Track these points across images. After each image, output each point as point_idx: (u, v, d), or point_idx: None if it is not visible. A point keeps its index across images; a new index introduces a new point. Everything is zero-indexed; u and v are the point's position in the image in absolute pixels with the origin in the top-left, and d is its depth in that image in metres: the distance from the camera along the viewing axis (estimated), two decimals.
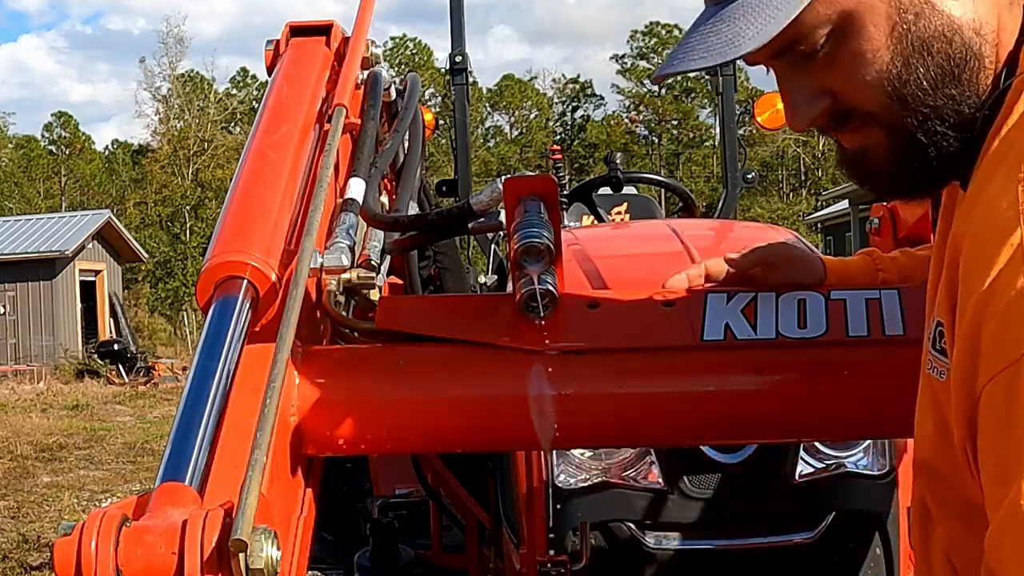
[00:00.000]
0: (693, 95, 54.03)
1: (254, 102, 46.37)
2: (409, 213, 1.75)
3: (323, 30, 1.92)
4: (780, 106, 4.42)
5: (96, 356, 22.16)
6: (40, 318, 24.95)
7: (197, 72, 49.36)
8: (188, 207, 43.39)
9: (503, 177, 1.41)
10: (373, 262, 1.49)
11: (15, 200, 47.10)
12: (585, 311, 1.46)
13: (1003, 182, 0.95)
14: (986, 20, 1.03)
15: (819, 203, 40.33)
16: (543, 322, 1.38)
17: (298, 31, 1.93)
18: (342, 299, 1.47)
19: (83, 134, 56.37)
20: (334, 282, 1.45)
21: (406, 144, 1.93)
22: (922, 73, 1.03)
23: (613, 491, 2.39)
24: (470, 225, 1.51)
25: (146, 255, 33.47)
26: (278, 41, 1.93)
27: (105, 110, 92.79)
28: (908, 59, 1.02)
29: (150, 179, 46.30)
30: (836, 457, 2.40)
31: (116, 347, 21.65)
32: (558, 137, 54.15)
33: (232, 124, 48.68)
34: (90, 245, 26.00)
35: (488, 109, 57.26)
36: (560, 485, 2.39)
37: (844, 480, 2.39)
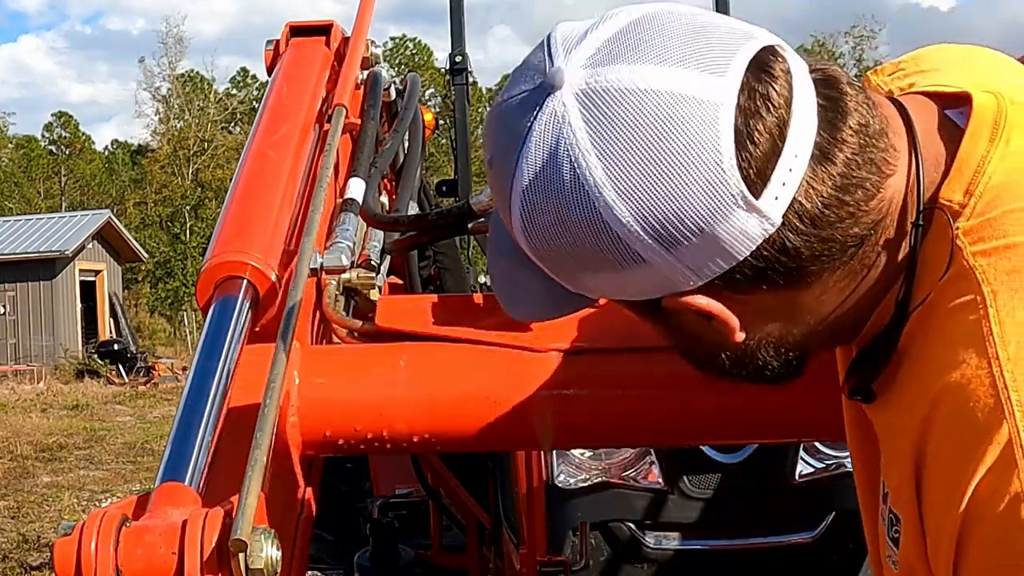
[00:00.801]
0: None
1: (254, 102, 46.35)
2: (409, 213, 1.75)
3: (323, 30, 1.92)
4: None
5: (96, 356, 22.16)
6: (40, 318, 24.95)
7: (197, 72, 49.40)
8: (188, 207, 43.39)
9: None
10: (373, 262, 1.49)
11: (15, 200, 47.10)
12: (585, 311, 1.46)
13: (970, 364, 0.85)
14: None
15: None
16: (542, 322, 1.38)
17: (298, 31, 1.93)
18: (342, 299, 1.47)
19: (83, 134, 56.39)
20: (334, 282, 1.45)
21: (406, 144, 1.93)
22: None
23: (613, 491, 2.39)
24: (470, 225, 1.50)
25: (146, 255, 33.48)
26: (278, 41, 1.93)
27: (104, 110, 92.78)
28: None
29: (150, 179, 46.30)
30: (836, 457, 2.41)
31: (116, 347, 21.65)
32: None
33: (232, 124, 48.69)
34: (90, 245, 26.01)
35: (488, 109, 57.18)
36: (560, 485, 2.39)
37: (844, 480, 2.39)
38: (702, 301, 0.92)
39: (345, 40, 1.94)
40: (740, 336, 0.95)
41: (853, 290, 0.95)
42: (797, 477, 2.38)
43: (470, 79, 4.64)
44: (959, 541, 0.84)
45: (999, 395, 0.83)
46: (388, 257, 1.68)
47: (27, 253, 24.87)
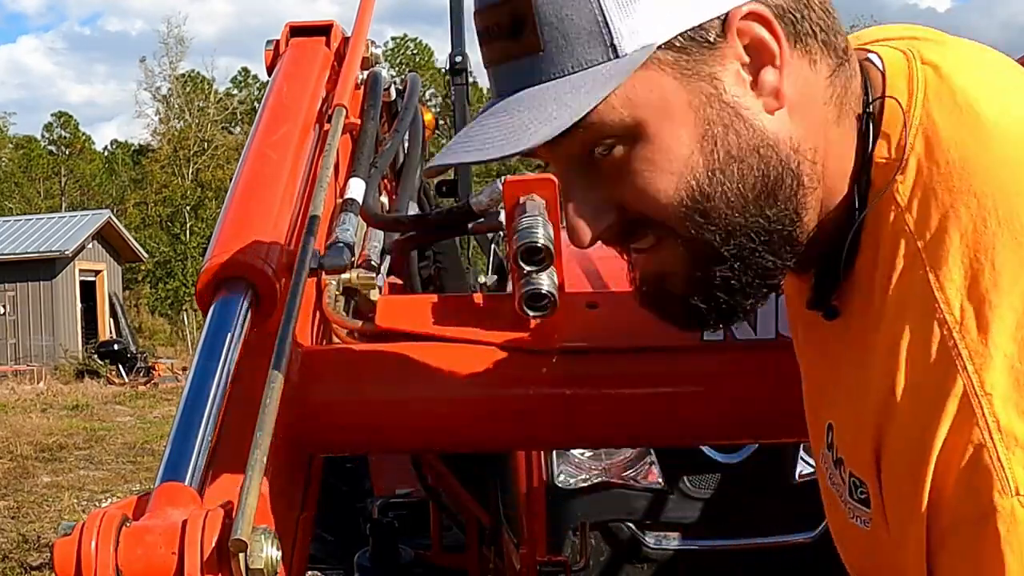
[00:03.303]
0: None
1: (254, 102, 46.35)
2: (409, 213, 1.75)
3: (323, 30, 1.92)
4: None
5: (96, 356, 22.16)
6: (40, 318, 24.96)
7: (197, 72, 49.39)
8: (188, 207, 43.40)
9: (503, 177, 1.41)
10: (373, 262, 1.49)
11: (15, 200, 47.10)
12: (585, 311, 1.46)
13: (921, 328, 0.88)
14: (805, 137, 0.94)
15: None
16: (543, 322, 1.39)
17: (298, 31, 1.93)
18: (342, 299, 1.47)
19: (83, 134, 56.40)
20: (334, 282, 1.45)
21: (406, 144, 1.93)
22: (730, 188, 0.92)
23: (613, 491, 2.40)
24: (470, 225, 1.51)
25: (146, 255, 33.49)
26: (278, 41, 1.93)
27: (103, 111, 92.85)
28: (713, 173, 0.92)
29: (150, 179, 46.29)
30: None
31: (116, 347, 21.65)
32: None
33: (232, 124, 48.68)
34: (90, 245, 26.02)
35: None
36: (560, 485, 2.39)
37: None
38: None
39: (345, 40, 1.94)
40: (772, 106, 0.93)
41: (826, 133, 0.96)
42: (797, 477, 2.38)
43: (470, 79, 4.64)
44: (933, 494, 0.86)
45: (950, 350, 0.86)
46: (388, 257, 1.68)
47: (27, 253, 24.88)
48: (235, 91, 51.28)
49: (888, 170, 0.95)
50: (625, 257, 1.04)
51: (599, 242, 0.99)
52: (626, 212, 0.96)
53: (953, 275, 0.88)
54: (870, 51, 1.03)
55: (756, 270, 0.96)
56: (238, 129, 47.34)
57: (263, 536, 0.90)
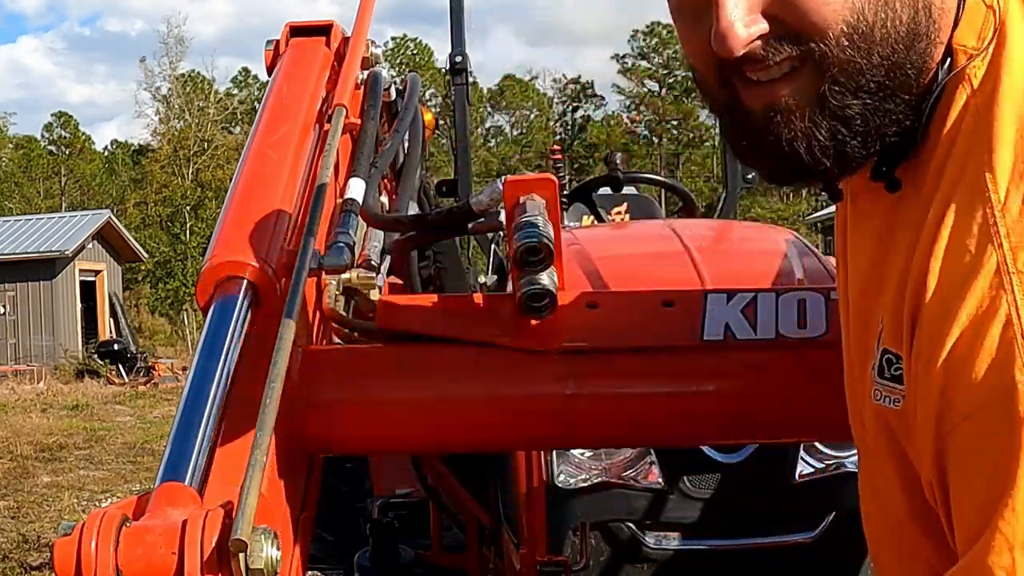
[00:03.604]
0: (693, 95, 54.02)
1: (254, 102, 46.34)
2: (409, 213, 1.75)
3: (323, 30, 1.92)
4: None
5: (96, 356, 22.16)
6: (40, 318, 24.95)
7: (198, 72, 49.38)
8: (188, 207, 43.37)
9: (503, 177, 1.41)
10: (373, 262, 1.49)
11: (15, 200, 47.11)
12: (585, 311, 1.46)
13: (967, 205, 0.91)
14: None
15: (819, 203, 40.30)
16: (543, 322, 1.38)
17: (298, 31, 1.93)
18: (342, 299, 1.47)
19: (83, 134, 56.40)
20: (334, 282, 1.45)
21: (406, 144, 1.93)
22: (888, 19, 0.95)
23: (613, 491, 2.39)
24: (470, 225, 1.50)
25: (146, 255, 33.47)
26: (278, 41, 1.93)
27: (103, 111, 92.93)
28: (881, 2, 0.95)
29: (150, 179, 46.27)
30: (836, 457, 2.40)
31: (116, 347, 21.65)
32: (558, 137, 54.12)
33: (232, 124, 48.67)
34: (90, 245, 26.01)
35: (489, 109, 57.27)
36: (560, 485, 2.39)
37: (844, 480, 2.39)
38: None
39: (345, 40, 1.94)
40: None
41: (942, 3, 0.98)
42: (797, 477, 2.38)
43: (470, 79, 4.65)
44: (952, 373, 0.88)
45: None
46: (388, 257, 1.68)
47: (27, 253, 24.87)
48: (235, 91, 51.29)
49: (967, 54, 0.98)
50: (737, 93, 1.02)
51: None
52: (780, 26, 0.95)
53: (1005, 160, 0.91)
54: None
55: (883, 113, 0.98)
56: (238, 129, 47.33)
57: (263, 536, 0.90)
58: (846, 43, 0.94)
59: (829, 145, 0.98)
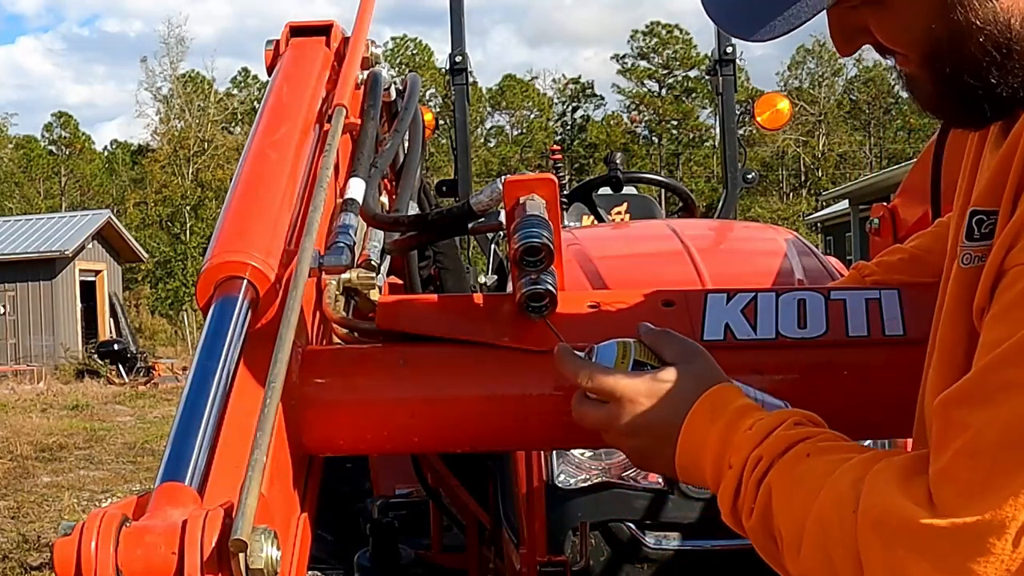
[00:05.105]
0: (693, 95, 54.03)
1: (254, 102, 46.35)
2: (409, 213, 1.75)
3: (323, 30, 1.92)
4: (780, 106, 4.42)
5: (96, 356, 22.16)
6: (40, 318, 24.95)
7: (198, 72, 49.39)
8: (188, 207, 43.41)
9: (503, 177, 1.41)
10: (373, 262, 1.49)
11: (15, 200, 47.14)
12: (585, 311, 1.46)
13: None
14: None
15: (819, 203, 40.31)
16: (543, 322, 1.38)
17: (298, 31, 1.93)
18: (342, 299, 1.47)
19: (83, 134, 56.39)
20: (334, 282, 1.45)
21: (406, 144, 1.93)
22: (964, 53, 1.01)
23: (613, 491, 2.39)
24: (470, 225, 1.50)
25: (146, 255, 33.47)
26: (278, 41, 1.93)
27: (102, 112, 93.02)
28: (954, 35, 1.01)
29: (150, 179, 46.30)
30: None
31: (116, 347, 21.66)
32: (558, 137, 54.13)
33: (232, 124, 48.69)
34: (90, 245, 26.01)
35: (489, 109, 57.28)
36: (560, 485, 2.39)
37: None
38: None
39: (345, 40, 1.94)
40: None
41: None
42: None
43: (470, 79, 4.65)
44: None
45: None
46: (388, 257, 1.68)
47: (27, 253, 24.87)
48: (235, 91, 51.32)
49: None
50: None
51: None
52: (874, 40, 1.08)
53: None
54: None
55: (996, 97, 1.04)
56: (238, 129, 47.36)
57: (263, 536, 0.90)
58: (929, 62, 1.05)
59: (961, 108, 1.08)
